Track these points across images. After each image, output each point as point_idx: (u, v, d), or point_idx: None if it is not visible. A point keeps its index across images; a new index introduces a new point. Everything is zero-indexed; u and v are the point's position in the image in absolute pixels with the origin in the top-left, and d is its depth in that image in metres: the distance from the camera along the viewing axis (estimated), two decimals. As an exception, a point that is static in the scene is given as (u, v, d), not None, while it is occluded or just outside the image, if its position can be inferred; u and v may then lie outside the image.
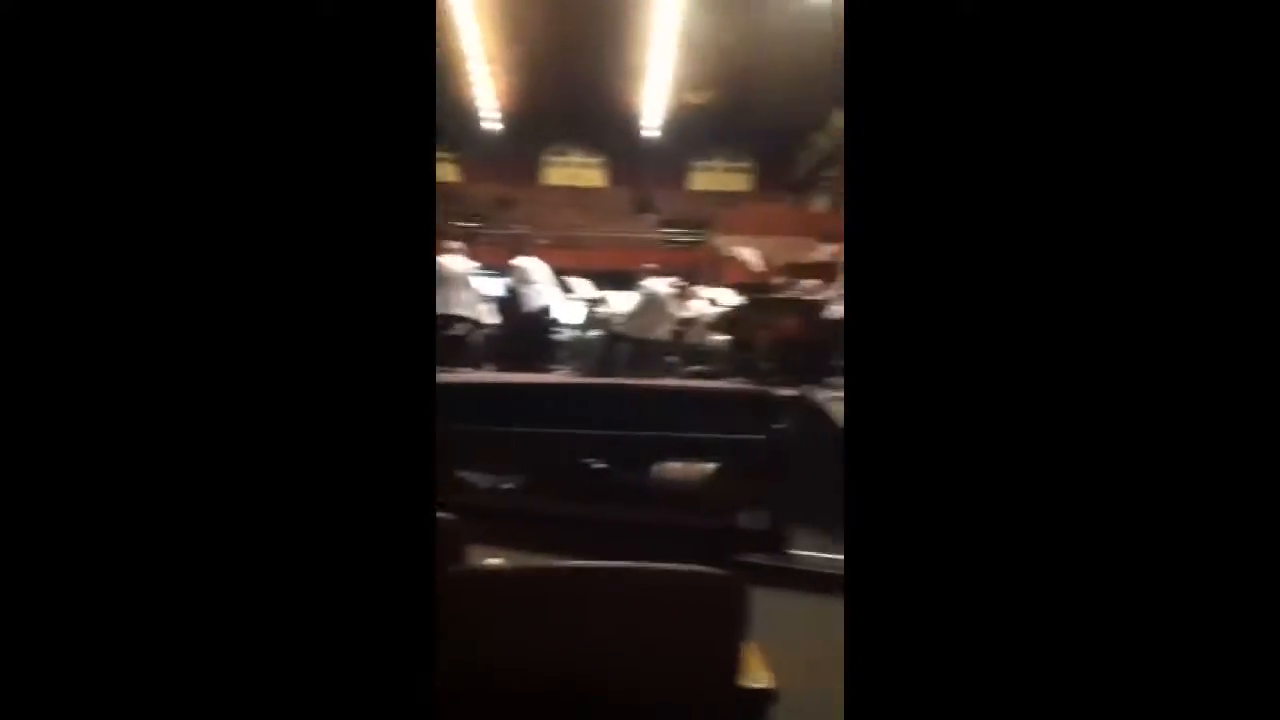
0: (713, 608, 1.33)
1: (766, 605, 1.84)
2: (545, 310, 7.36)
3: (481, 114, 16.27)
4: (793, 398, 5.41)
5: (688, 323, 7.35)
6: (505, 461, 4.78)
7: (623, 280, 7.82)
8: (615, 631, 1.33)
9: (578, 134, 16.71)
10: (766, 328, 6.61)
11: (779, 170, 13.76)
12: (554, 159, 17.58)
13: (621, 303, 7.43)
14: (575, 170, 17.40)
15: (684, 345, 7.28)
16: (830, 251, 6.84)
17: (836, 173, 11.26)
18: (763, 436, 5.16)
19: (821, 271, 6.85)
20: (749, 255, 8.22)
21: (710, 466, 5.10)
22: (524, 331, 7.28)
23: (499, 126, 16.58)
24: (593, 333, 7.43)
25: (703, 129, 13.05)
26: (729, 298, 7.40)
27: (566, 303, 7.71)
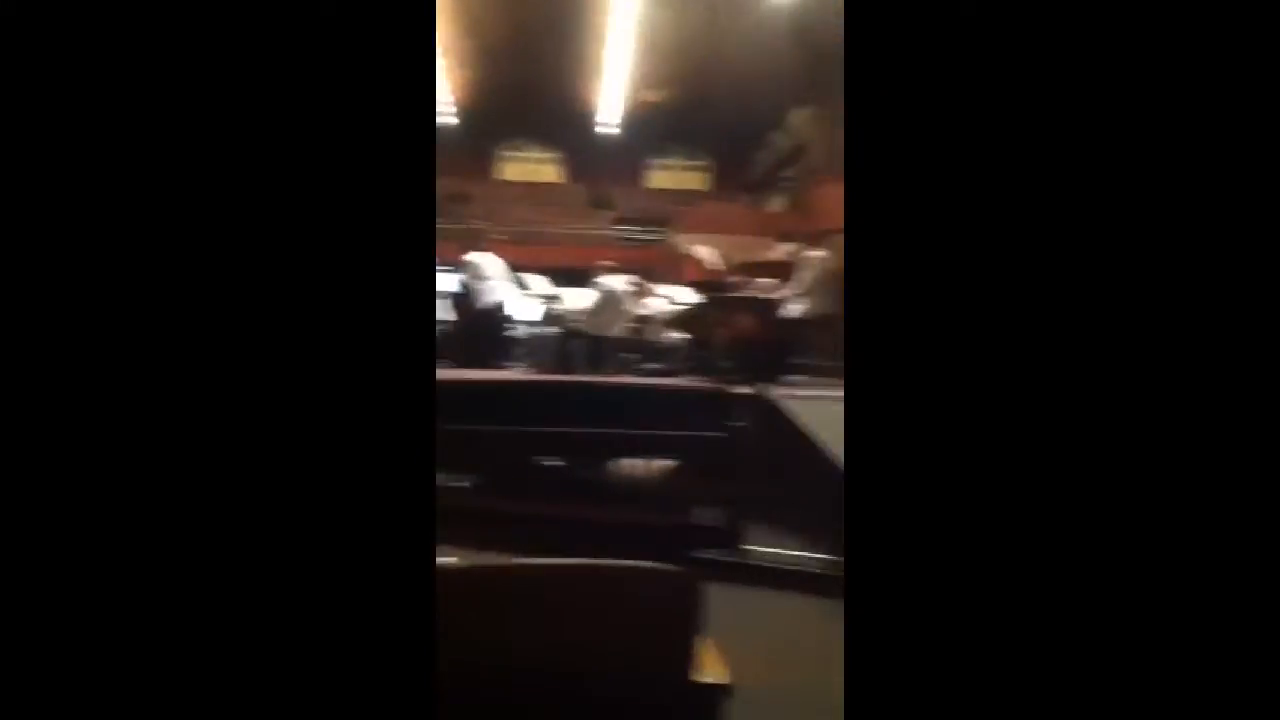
0: (667, 604, 1.33)
1: (723, 601, 1.85)
2: (499, 307, 7.31)
3: (437, 107, 16.06)
4: (749, 396, 5.44)
5: (645, 320, 7.35)
6: (459, 460, 4.73)
7: (579, 277, 7.80)
8: (568, 629, 1.32)
9: (534, 129, 16.61)
10: (724, 326, 6.65)
11: (737, 169, 13.84)
12: (509, 154, 17.46)
13: (578, 300, 7.41)
14: (531, 166, 17.30)
15: (641, 343, 7.28)
16: (787, 251, 6.90)
17: (794, 172, 11.37)
18: (720, 434, 5.19)
19: (778, 270, 6.90)
20: (706, 253, 8.26)
21: (667, 464, 5.11)
22: (478, 328, 7.21)
23: (454, 120, 16.42)
24: (549, 329, 7.39)
25: (660, 127, 13.07)
26: (686, 295, 7.42)
27: (522, 299, 7.66)
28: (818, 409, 5.11)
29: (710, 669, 1.39)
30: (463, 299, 7.44)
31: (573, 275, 8.07)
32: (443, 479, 4.73)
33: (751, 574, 4.30)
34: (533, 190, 15.88)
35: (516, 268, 7.69)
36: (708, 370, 6.27)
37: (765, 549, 4.54)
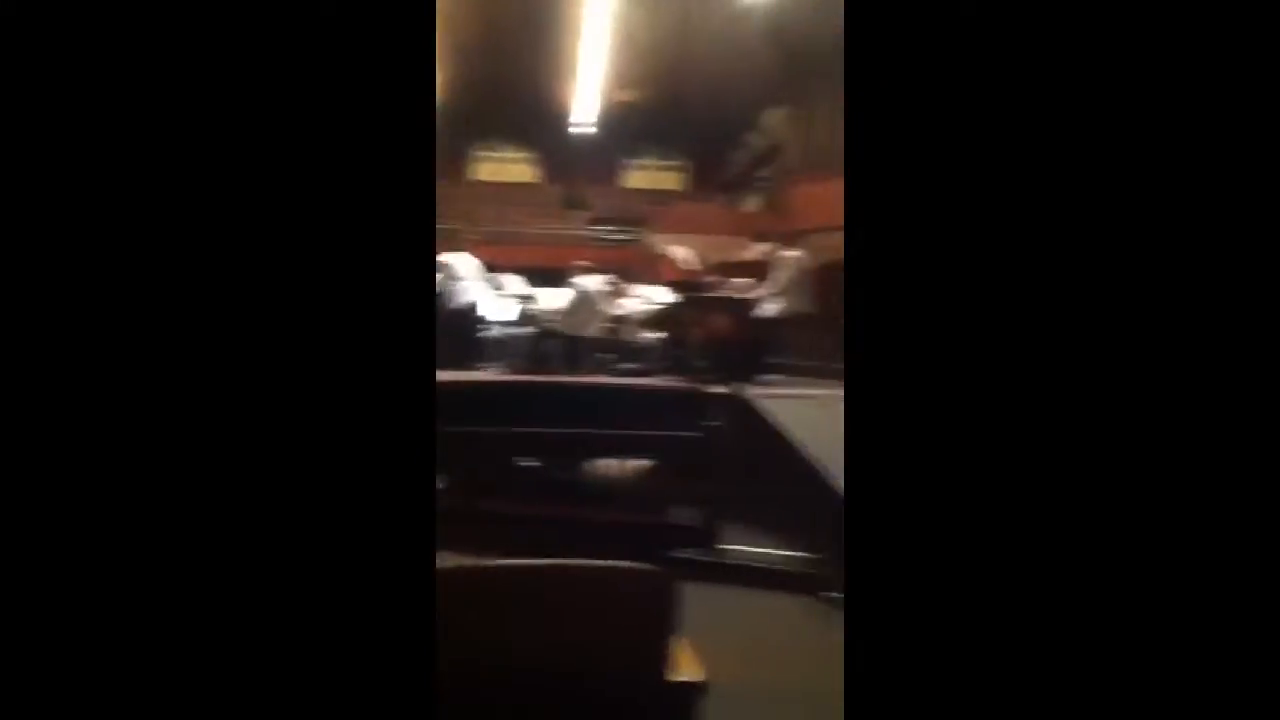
0: (642, 603, 1.33)
1: (699, 600, 1.85)
2: (474, 307, 7.27)
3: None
4: (725, 395, 5.46)
5: (620, 320, 7.35)
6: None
7: (555, 277, 7.78)
8: (543, 629, 1.32)
9: (508, 129, 16.54)
10: (699, 326, 6.66)
11: (712, 169, 13.88)
12: (484, 154, 17.38)
13: (553, 300, 7.39)
14: (505, 165, 17.23)
15: (617, 343, 7.28)
16: (762, 250, 6.93)
17: (769, 172, 11.42)
18: (695, 434, 5.20)
19: (753, 270, 6.93)
20: (682, 253, 8.27)
21: (643, 463, 5.11)
22: (452, 329, 7.18)
23: (429, 120, 16.24)
24: (524, 330, 7.37)
25: (636, 127, 13.08)
26: (662, 295, 7.43)
27: (497, 300, 7.63)
28: (792, 408, 5.13)
29: (685, 667, 1.39)
30: (436, 299, 7.40)
31: (548, 275, 8.04)
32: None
33: (727, 572, 4.32)
34: (507, 190, 15.81)
35: (491, 268, 7.66)
36: (683, 370, 6.29)
37: (741, 548, 4.56)
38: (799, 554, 4.45)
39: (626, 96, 11.44)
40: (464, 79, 14.37)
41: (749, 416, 5.14)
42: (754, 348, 6.31)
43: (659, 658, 1.34)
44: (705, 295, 6.91)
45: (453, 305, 7.15)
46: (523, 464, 5.08)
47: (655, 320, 7.28)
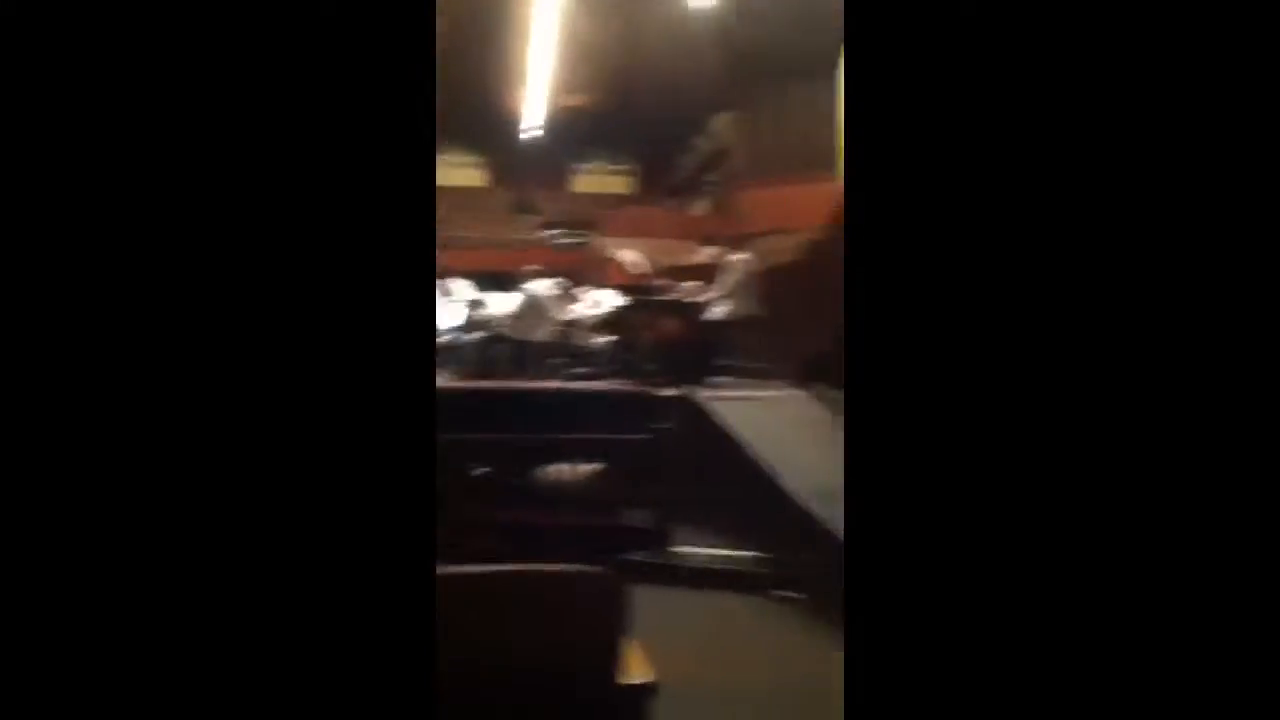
0: (592, 606, 1.34)
1: (649, 601, 1.86)
2: (424, 312, 7.18)
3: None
4: (674, 398, 5.49)
5: (570, 324, 7.34)
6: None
7: (504, 282, 7.73)
8: (495, 633, 1.32)
9: (456, 133, 16.40)
10: (649, 329, 6.69)
11: (660, 174, 13.94)
12: (432, 158, 17.15)
13: (502, 304, 7.35)
14: (453, 170, 17.08)
15: (567, 347, 7.27)
16: (710, 254, 6.98)
17: (717, 177, 11.50)
18: (645, 436, 5.22)
19: (702, 274, 6.98)
20: (631, 257, 8.29)
21: (593, 467, 5.11)
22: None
23: (374, 123, 15.99)
24: (473, 335, 7.31)
25: (584, 131, 13.07)
26: (612, 299, 7.44)
27: (445, 305, 7.56)
28: (741, 410, 5.18)
29: (636, 669, 1.40)
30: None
31: (497, 280, 7.99)
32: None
33: (678, 574, 4.34)
34: (456, 195, 15.66)
35: (440, 273, 7.59)
36: (633, 373, 6.30)
37: (692, 549, 4.58)
38: (749, 554, 4.49)
39: (574, 101, 11.43)
40: (410, 82, 14.13)
41: (699, 419, 5.18)
42: (703, 350, 6.35)
43: (610, 660, 1.35)
44: (654, 299, 6.94)
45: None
46: (474, 470, 5.03)
47: (605, 324, 7.29)
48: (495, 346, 7.12)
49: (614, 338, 7.09)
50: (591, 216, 12.09)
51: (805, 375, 6.03)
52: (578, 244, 11.53)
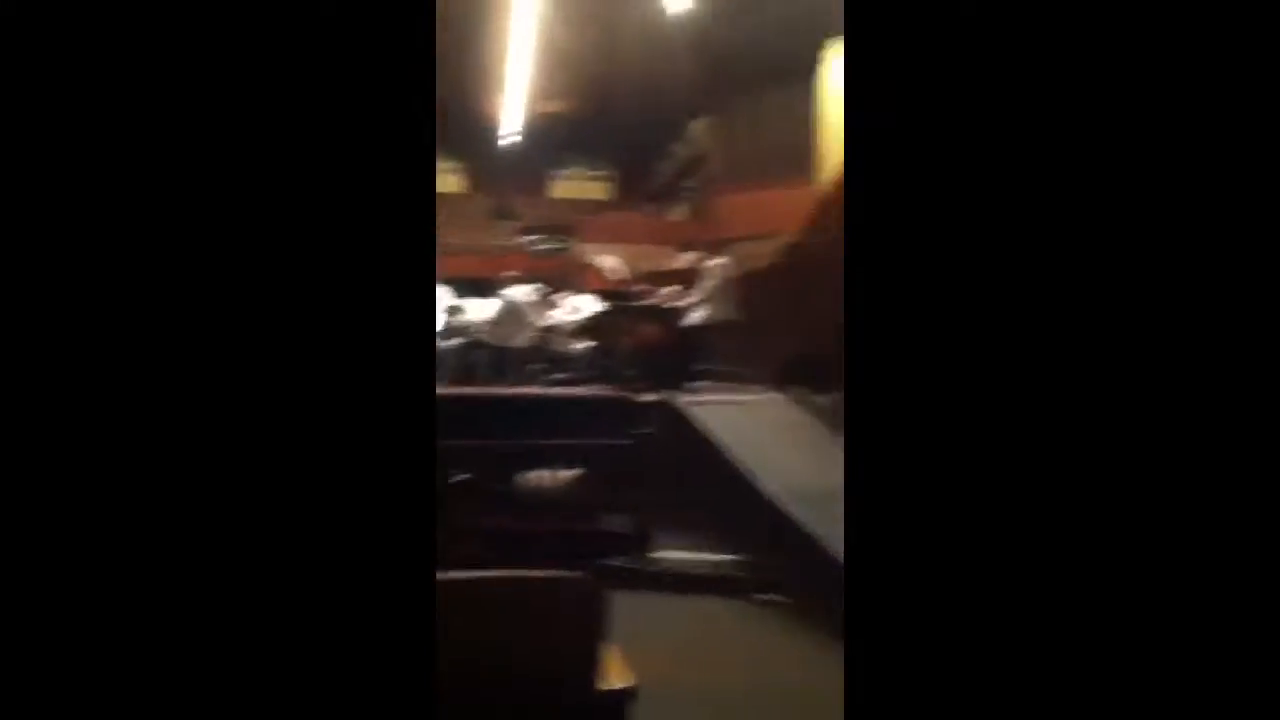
0: (572, 611, 1.35)
1: (630, 606, 1.87)
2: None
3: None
4: (654, 403, 5.50)
5: (550, 330, 7.34)
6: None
7: (483, 287, 7.71)
8: (475, 638, 1.32)
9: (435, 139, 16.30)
10: (628, 334, 6.70)
11: (639, 179, 13.97)
12: (410, 164, 17.04)
13: (481, 310, 7.33)
14: (433, 176, 16.98)
15: (546, 352, 7.26)
16: (689, 259, 7.01)
17: (695, 182, 11.54)
18: (625, 441, 5.22)
19: (681, 279, 7.00)
20: (610, 263, 8.30)
21: (573, 472, 5.11)
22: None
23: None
24: (452, 341, 7.29)
25: (563, 137, 13.07)
26: (591, 305, 7.45)
27: (425, 311, 7.52)
28: (721, 414, 5.20)
29: (615, 674, 1.41)
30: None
31: (476, 285, 7.97)
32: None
33: (659, 579, 4.35)
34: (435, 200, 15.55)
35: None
36: (612, 379, 6.31)
37: (672, 553, 4.59)
38: (729, 558, 4.50)
39: (553, 107, 11.43)
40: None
41: (678, 423, 5.19)
42: (682, 355, 6.37)
43: (590, 665, 1.35)
44: (633, 304, 6.95)
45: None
46: (453, 477, 5.02)
47: (584, 329, 7.29)
48: (474, 352, 7.11)
49: (593, 343, 7.10)
50: (570, 222, 12.09)
51: (784, 379, 6.06)
52: (557, 250, 11.52)
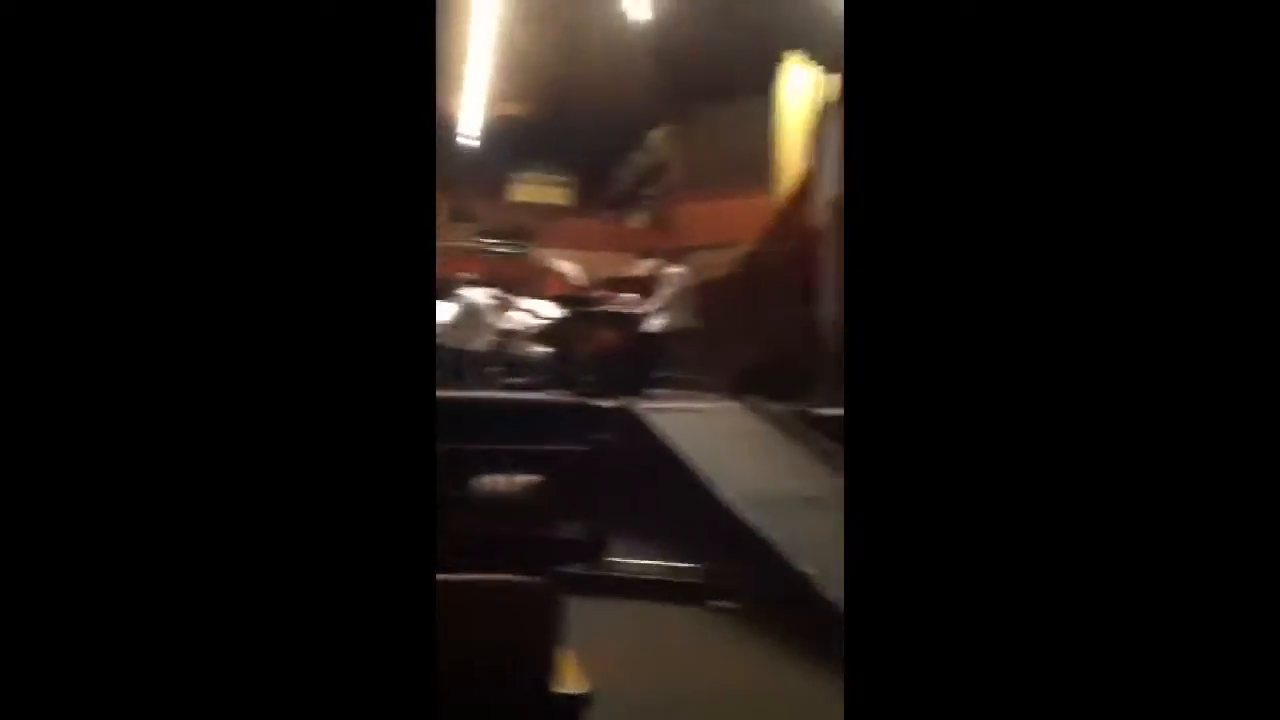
0: (527, 616, 1.34)
1: (585, 612, 1.87)
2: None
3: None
4: (613, 409, 5.50)
5: (508, 334, 7.29)
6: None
7: (440, 290, 7.64)
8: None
9: (393, 139, 16.12)
10: (586, 340, 6.69)
11: (597, 185, 13.97)
12: (367, 164, 16.83)
13: (439, 313, 7.26)
14: (390, 177, 16.79)
15: (504, 356, 7.22)
16: (648, 267, 7.03)
17: (654, 190, 11.58)
18: (583, 447, 5.21)
19: (639, 286, 7.02)
20: (569, 268, 8.28)
21: (531, 478, 5.08)
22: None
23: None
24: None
25: (522, 141, 13.03)
26: (549, 310, 7.42)
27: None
28: (679, 421, 5.22)
29: (570, 679, 1.41)
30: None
31: (433, 288, 7.89)
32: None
33: (616, 585, 4.34)
34: (390, 201, 15.37)
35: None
36: (571, 384, 6.29)
37: (629, 560, 4.59)
38: (686, 565, 4.51)
39: (512, 110, 11.39)
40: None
41: (636, 430, 5.19)
42: (640, 362, 6.38)
43: (545, 671, 1.35)
44: (592, 310, 6.94)
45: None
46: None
47: (543, 334, 7.27)
48: (431, 356, 7.03)
49: (552, 348, 7.07)
50: (529, 227, 12.05)
51: (741, 387, 6.10)
52: (515, 254, 11.47)
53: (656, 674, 3.20)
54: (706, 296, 6.78)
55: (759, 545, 3.85)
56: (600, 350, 6.54)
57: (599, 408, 5.53)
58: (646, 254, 7.39)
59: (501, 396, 6.24)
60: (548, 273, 9.07)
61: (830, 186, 6.18)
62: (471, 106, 10.51)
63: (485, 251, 11.54)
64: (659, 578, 4.45)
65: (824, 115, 6.66)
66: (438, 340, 7.05)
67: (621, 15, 8.29)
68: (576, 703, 1.39)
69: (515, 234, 11.96)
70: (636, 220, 12.19)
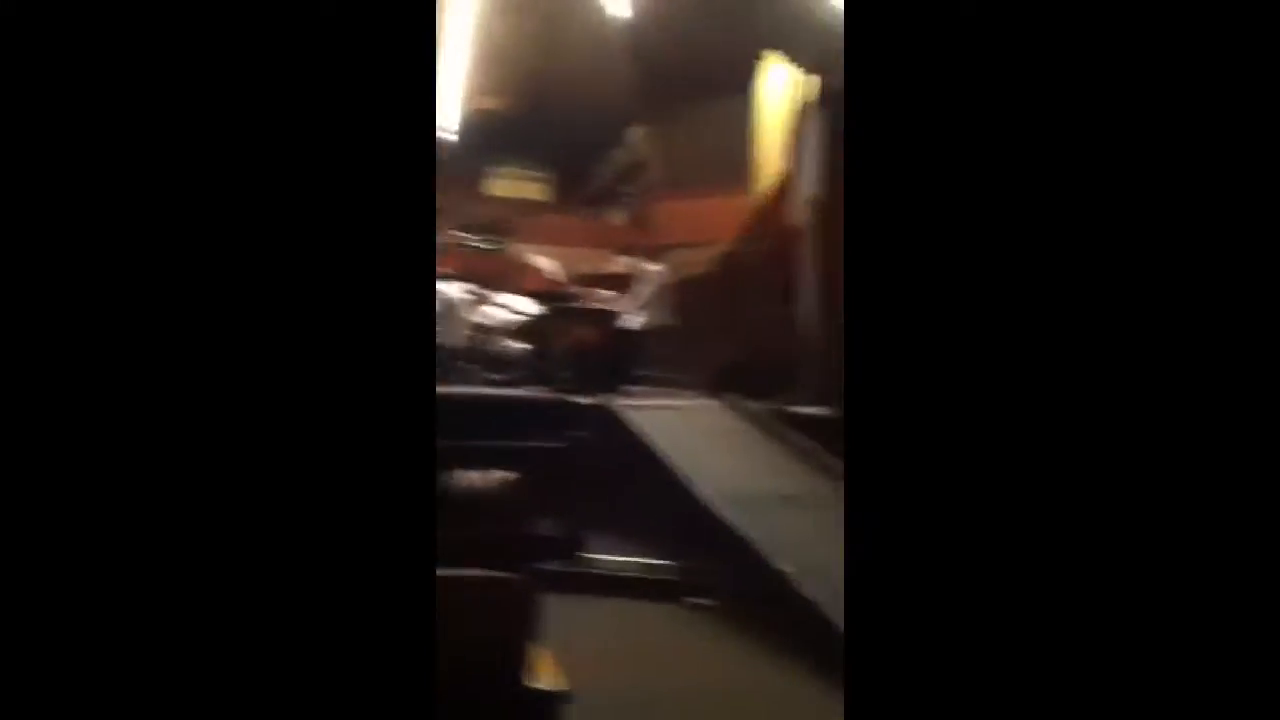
0: (502, 613, 1.32)
1: (561, 609, 1.85)
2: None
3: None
4: (590, 406, 5.48)
5: (484, 330, 7.25)
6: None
7: (416, 285, 7.58)
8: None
9: (369, 133, 16.00)
10: (564, 336, 6.66)
11: (576, 182, 13.94)
12: (343, 158, 16.69)
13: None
14: (366, 171, 16.66)
15: (481, 352, 7.17)
16: (625, 264, 7.02)
17: (633, 188, 11.57)
18: (560, 444, 5.19)
19: (617, 283, 7.01)
20: (546, 264, 8.25)
21: (507, 475, 5.05)
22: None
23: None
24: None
25: (499, 136, 12.97)
26: (526, 306, 7.39)
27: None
28: (656, 418, 5.21)
29: (545, 676, 1.39)
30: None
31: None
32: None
33: (592, 582, 4.32)
34: (366, 195, 15.26)
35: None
36: (547, 380, 6.26)
37: (605, 557, 4.57)
38: (663, 562, 4.51)
39: (489, 104, 11.32)
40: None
41: (614, 427, 5.18)
42: (618, 359, 6.37)
43: (521, 668, 1.33)
44: (570, 306, 6.92)
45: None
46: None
47: (520, 330, 7.23)
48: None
49: (529, 344, 7.04)
50: (507, 222, 12.00)
51: (719, 385, 6.11)
52: (492, 249, 11.42)
53: (633, 671, 3.19)
54: (685, 294, 6.78)
55: (736, 543, 3.85)
56: (578, 347, 6.51)
57: (577, 404, 5.51)
58: (625, 251, 7.39)
59: (478, 392, 6.20)
60: (525, 268, 9.03)
61: (809, 186, 6.20)
62: (448, 100, 10.44)
63: (461, 246, 11.48)
64: (636, 575, 4.44)
65: (803, 114, 6.67)
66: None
67: (600, 10, 8.27)
68: (553, 699, 1.38)
69: (492, 229, 11.90)
70: (615, 217, 12.17)
